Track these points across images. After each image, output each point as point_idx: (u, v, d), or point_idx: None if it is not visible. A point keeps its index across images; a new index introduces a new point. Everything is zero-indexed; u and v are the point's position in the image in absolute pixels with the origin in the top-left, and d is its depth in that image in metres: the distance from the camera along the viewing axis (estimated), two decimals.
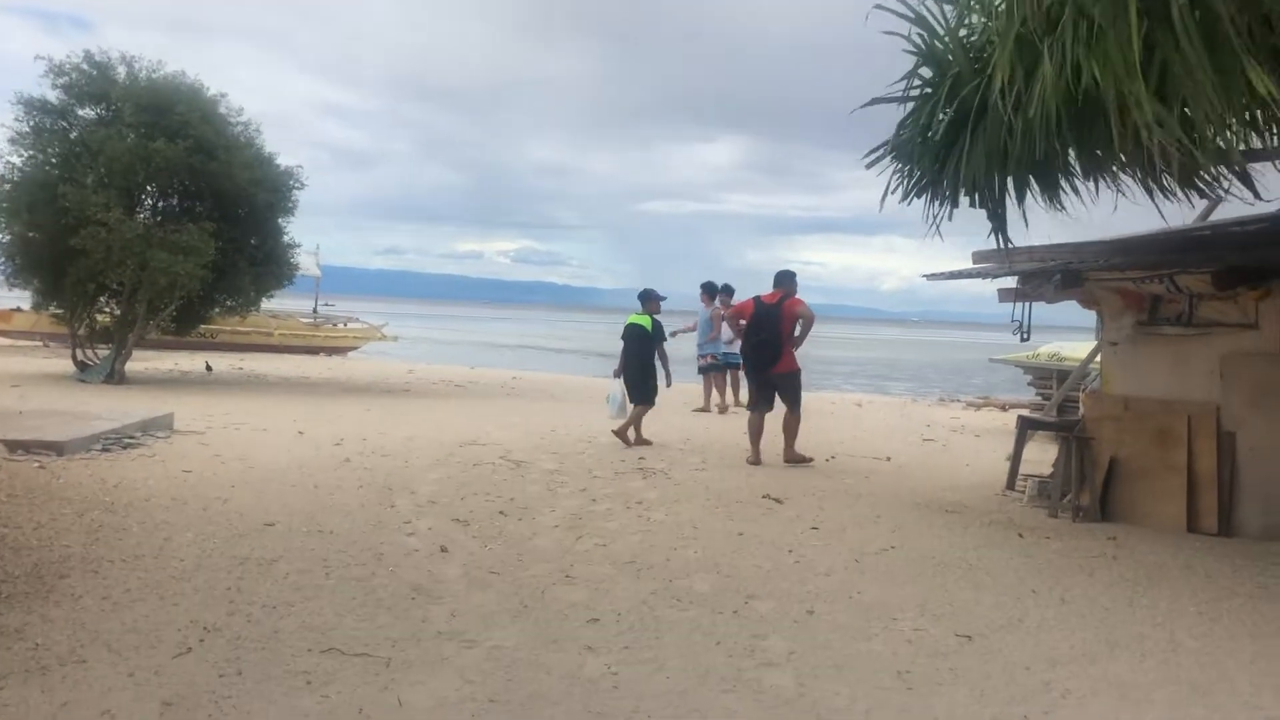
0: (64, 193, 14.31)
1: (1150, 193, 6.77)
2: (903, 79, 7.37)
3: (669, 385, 11.83)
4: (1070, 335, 16.92)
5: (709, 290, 16.01)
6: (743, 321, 10.87)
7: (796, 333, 10.45)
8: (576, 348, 51.30)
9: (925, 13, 6.99)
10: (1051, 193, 7.14)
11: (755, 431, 10.55)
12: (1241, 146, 6.10)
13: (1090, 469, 8.16)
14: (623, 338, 11.89)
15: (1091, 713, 4.13)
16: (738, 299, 13.69)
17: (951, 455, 12.21)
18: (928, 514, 8.03)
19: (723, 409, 15.43)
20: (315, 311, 30.97)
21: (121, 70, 15.67)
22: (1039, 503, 8.56)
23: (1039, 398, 15.09)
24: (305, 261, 25.73)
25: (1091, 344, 14.69)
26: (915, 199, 7.37)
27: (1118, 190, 6.56)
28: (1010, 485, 9.24)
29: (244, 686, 4.01)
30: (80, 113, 15.58)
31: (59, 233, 14.50)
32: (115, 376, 15.83)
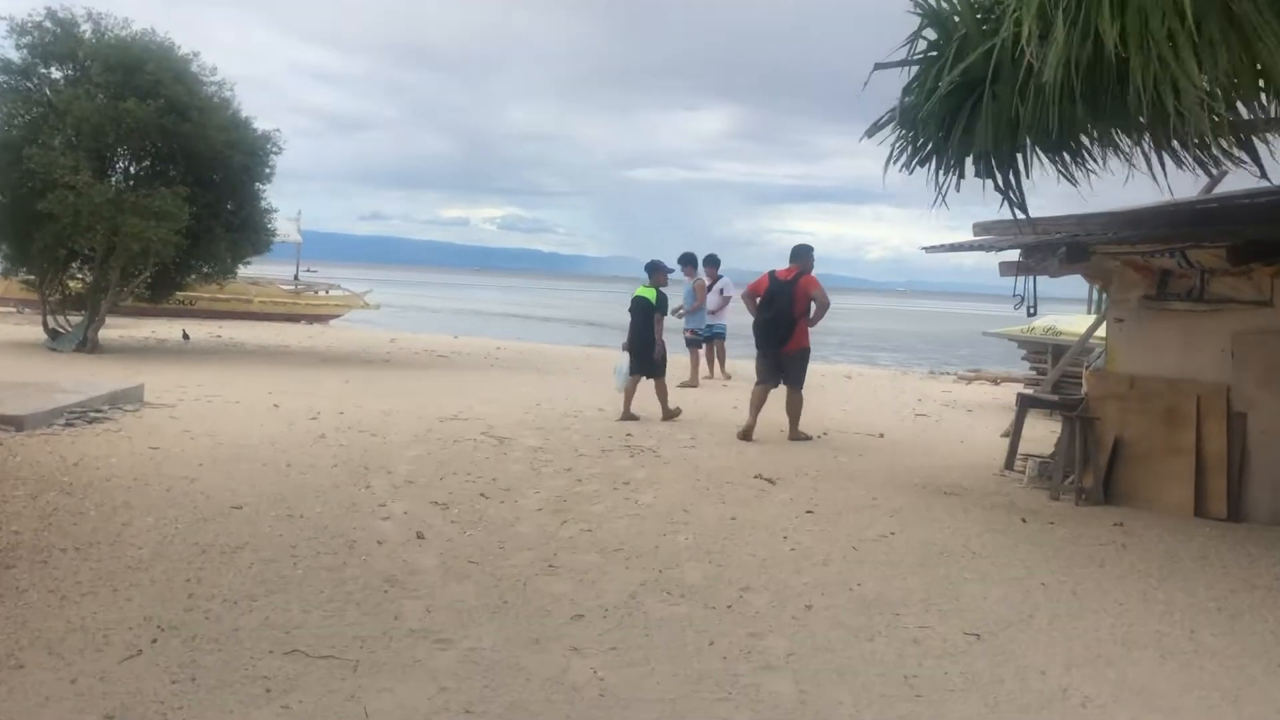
0: (30, 155, 13.80)
1: (1163, 163, 6.43)
2: (906, 43, 7.01)
3: (659, 357, 11.49)
4: (1064, 308, 16.66)
5: (689, 262, 15.60)
6: (757, 299, 10.61)
7: (810, 314, 10.29)
8: (563, 316, 50.91)
9: None
10: (1061, 162, 6.82)
11: (756, 403, 10.36)
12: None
13: (1094, 450, 7.86)
14: (629, 310, 11.64)
15: None
16: (732, 270, 13.37)
17: (945, 431, 11.92)
18: (926, 496, 7.73)
19: (693, 383, 15.00)
20: (296, 278, 30.43)
21: (87, 28, 15.09)
22: (1039, 484, 8.27)
23: (1034, 372, 14.79)
24: (285, 227, 25.20)
25: (1088, 318, 14.46)
26: (919, 167, 7.02)
27: (1129, 161, 6.21)
28: (1009, 465, 8.95)
29: (196, 695, 3.67)
30: (44, 72, 15.02)
31: (26, 196, 13.99)
32: (88, 345, 15.39)
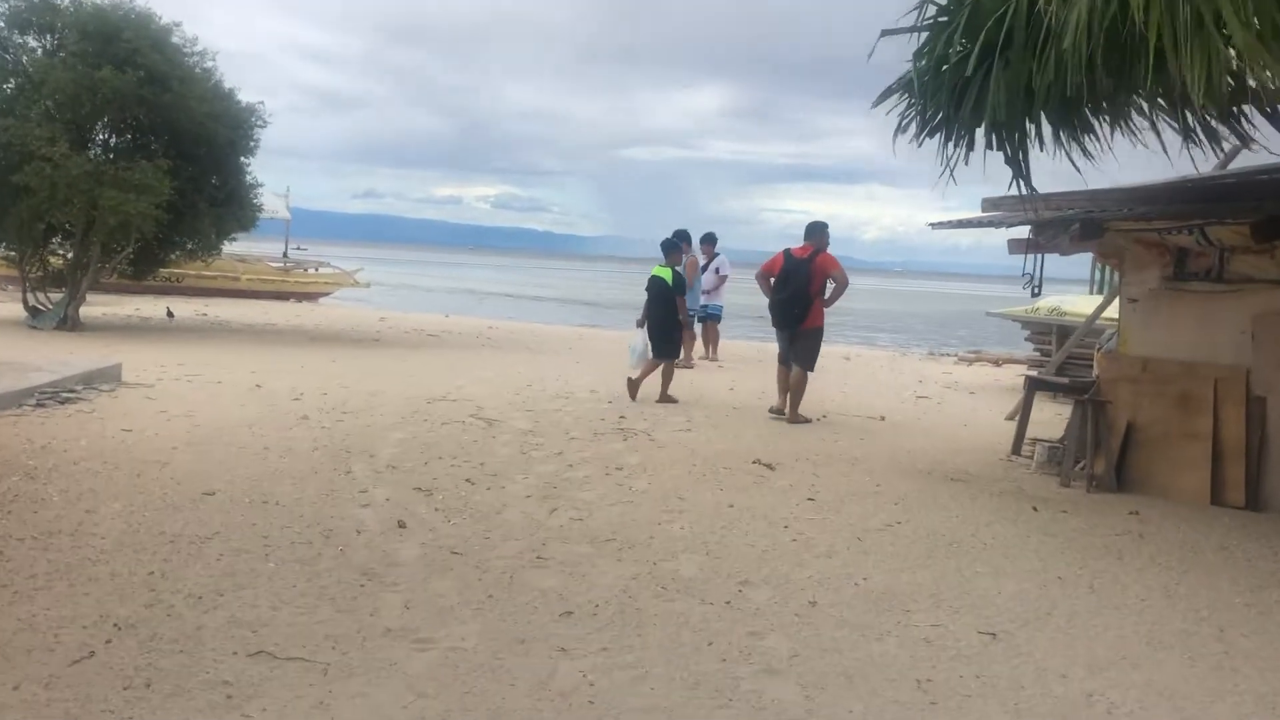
0: (5, 126, 13.38)
1: (1194, 137, 6.12)
2: (916, 7, 6.68)
3: (677, 339, 11.37)
4: (1067, 288, 16.36)
5: (683, 239, 15.25)
6: (772, 279, 10.34)
7: (827, 294, 10.12)
8: (556, 295, 50.53)
9: None
10: (1074, 134, 6.51)
11: (782, 383, 10.29)
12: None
13: (1105, 435, 7.57)
14: (646, 289, 11.40)
15: None
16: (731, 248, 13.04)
17: (947, 414, 11.64)
18: (931, 483, 7.44)
19: (687, 364, 14.67)
20: (285, 255, 30.01)
21: None
22: (1048, 470, 7.99)
23: (1037, 354, 14.52)
24: (272, 203, 24.77)
25: (1093, 298, 14.17)
26: (928, 139, 6.70)
27: (1136, 137, 5.90)
28: (1016, 450, 8.67)
29: (151, 703, 3.37)
30: (21, 42, 14.58)
31: (2, 169, 13.58)
32: (68, 322, 15.01)
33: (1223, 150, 6.98)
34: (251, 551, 4.98)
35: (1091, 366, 12.09)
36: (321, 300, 28.09)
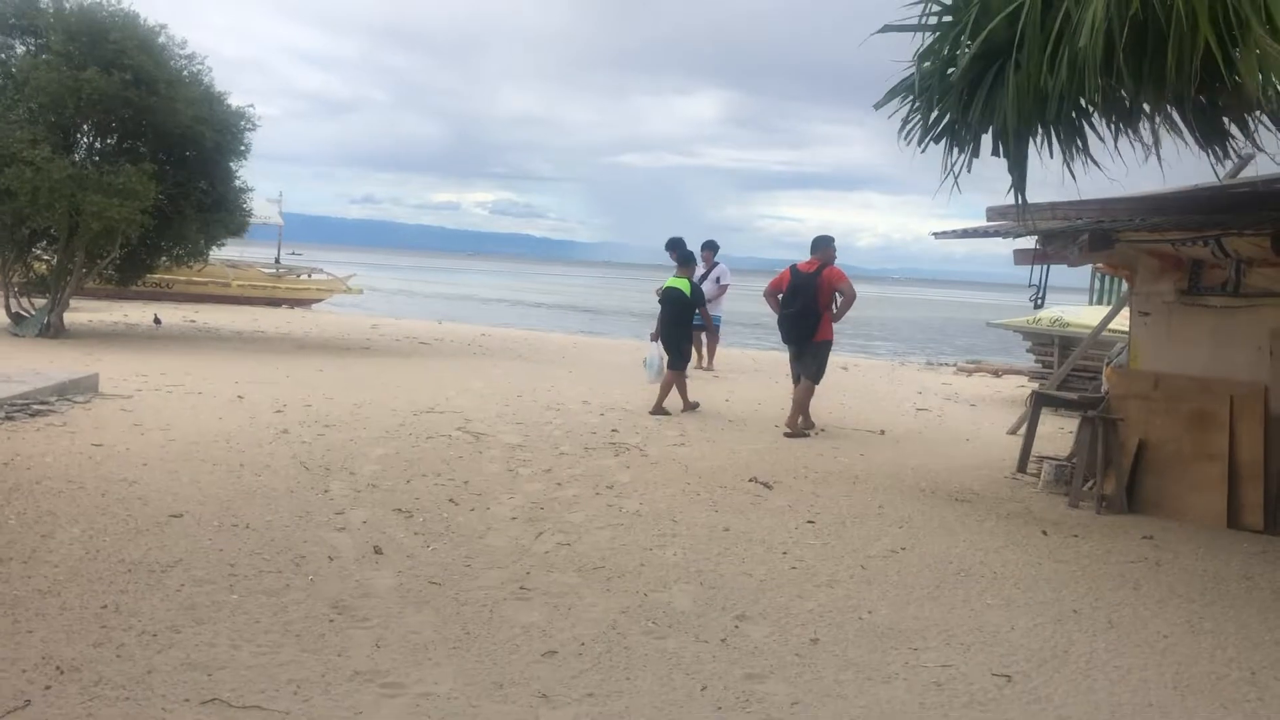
0: None
1: (1207, 139, 5.84)
2: (914, 2, 6.40)
3: (687, 351, 11.41)
4: (1065, 299, 16.07)
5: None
6: (780, 295, 10.30)
7: (835, 307, 10.06)
8: (553, 302, 50.24)
9: None
10: (1085, 141, 6.22)
11: None
12: None
13: (1116, 453, 7.28)
14: (660, 301, 11.35)
15: None
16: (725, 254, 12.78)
17: (948, 428, 11.33)
18: (936, 504, 7.13)
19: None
20: (277, 261, 29.68)
21: None
22: (1056, 489, 7.68)
23: (1039, 365, 14.22)
24: (264, 209, 24.51)
25: (1095, 309, 13.89)
26: (934, 144, 6.41)
27: (1185, 134, 5.60)
28: (1022, 468, 8.37)
29: None
30: (2, 41, 14.26)
31: None
32: (51, 330, 14.69)
33: (1239, 156, 6.71)
34: (215, 581, 4.66)
35: (1095, 379, 11.83)
36: (314, 307, 27.76)
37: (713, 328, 11.55)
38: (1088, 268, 13.27)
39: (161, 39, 14.81)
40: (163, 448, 7.40)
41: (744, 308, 24.51)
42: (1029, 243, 8.23)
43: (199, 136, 14.88)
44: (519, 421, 9.60)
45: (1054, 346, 13.64)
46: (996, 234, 7.92)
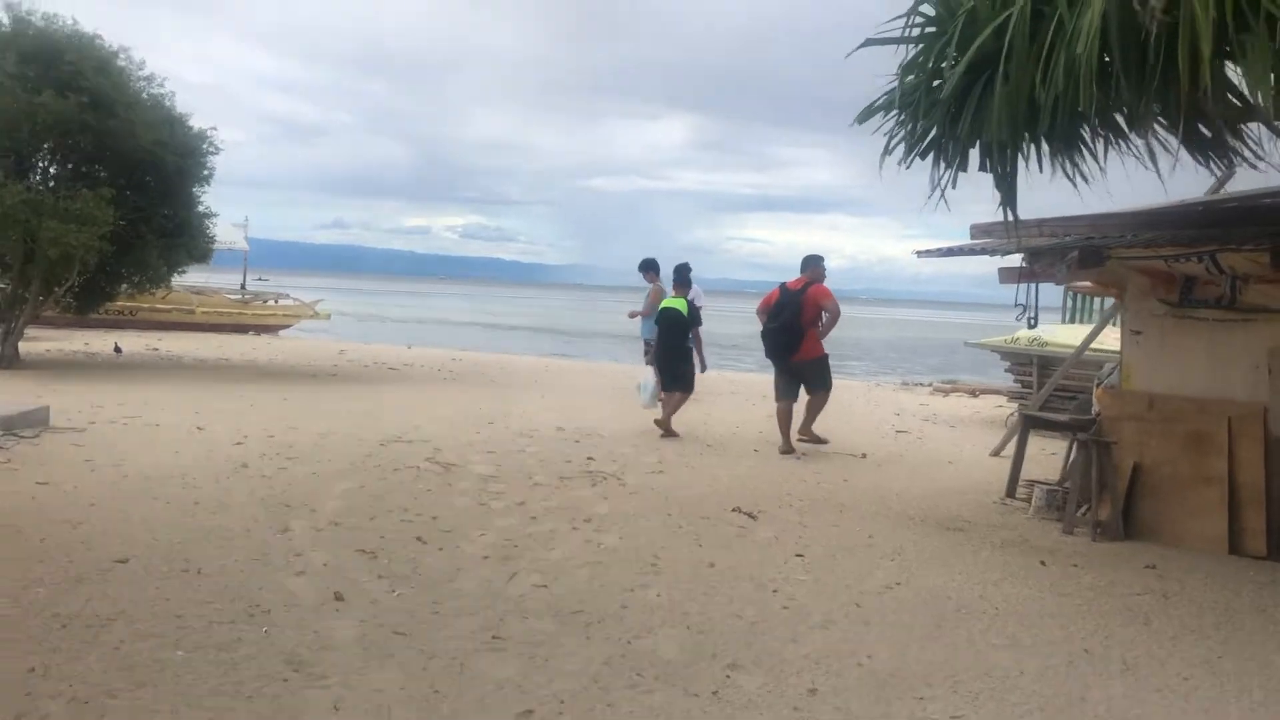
0: None
1: (1206, 154, 5.63)
2: (901, 16, 6.15)
3: (704, 370, 11.40)
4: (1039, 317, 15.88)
5: (650, 268, 14.63)
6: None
7: (821, 324, 10.12)
8: (524, 324, 49.86)
9: None
10: (1079, 153, 5.99)
11: (784, 422, 10.14)
12: None
13: (1111, 477, 7.02)
14: (656, 322, 11.36)
15: None
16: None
17: (930, 450, 11.10)
18: (926, 533, 6.85)
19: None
20: (243, 287, 29.17)
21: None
22: (1048, 515, 7.43)
23: (1018, 385, 14.02)
24: (229, 234, 24.07)
25: (1073, 328, 13.70)
26: (920, 159, 6.16)
27: (1190, 146, 5.38)
28: (1011, 492, 8.11)
29: None
30: None
31: None
32: (4, 360, 14.20)
33: (1246, 164, 6.50)
34: (160, 635, 4.28)
35: (1075, 398, 11.61)
36: (281, 333, 27.28)
37: (703, 356, 11.51)
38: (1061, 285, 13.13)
39: (122, 61, 14.42)
40: (113, 485, 7.00)
41: (719, 329, 24.26)
42: (1015, 260, 7.99)
43: (160, 161, 14.51)
44: (490, 450, 9.25)
45: (1033, 366, 13.45)
46: (983, 252, 7.68)
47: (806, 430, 10.21)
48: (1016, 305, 8.04)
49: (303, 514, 6.48)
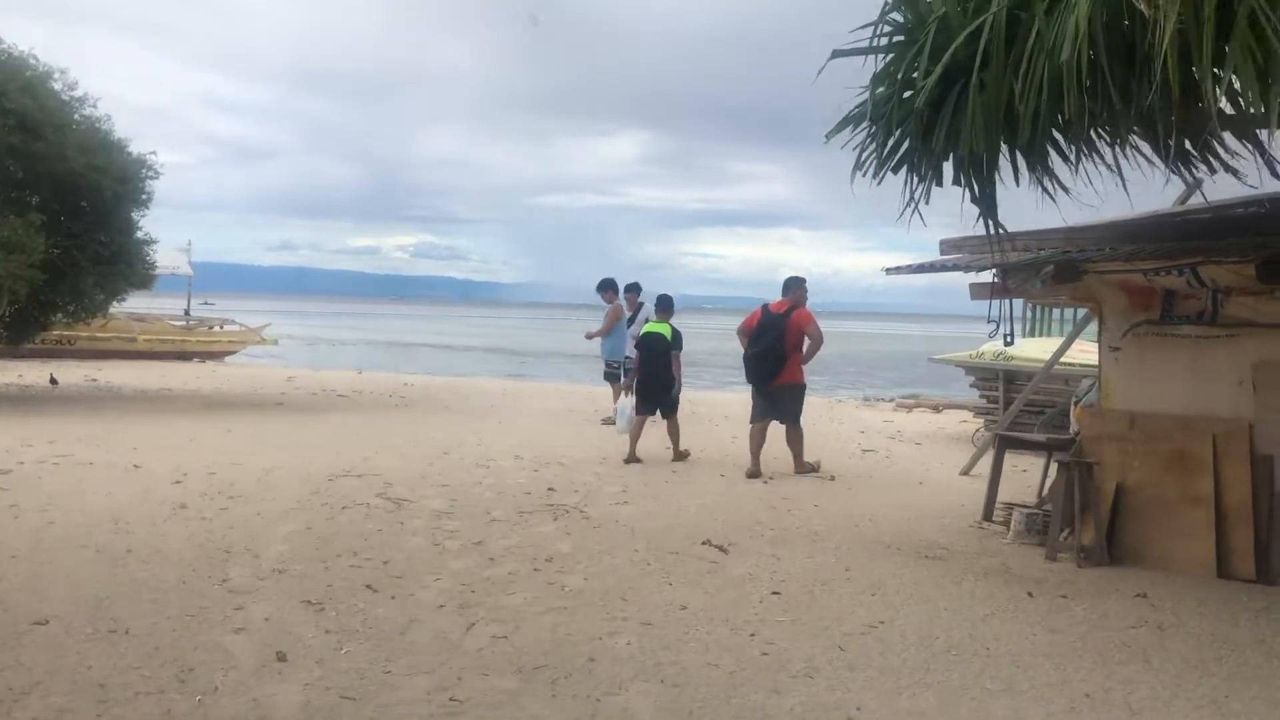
0: None
1: (1188, 162, 5.41)
2: (868, 25, 5.89)
3: (678, 392, 11.09)
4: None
5: (609, 287, 14.30)
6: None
7: (803, 350, 9.95)
8: (478, 345, 49.27)
9: None
10: (1063, 163, 5.76)
11: (755, 443, 9.97)
12: None
13: (1094, 500, 6.78)
14: (638, 347, 11.18)
15: None
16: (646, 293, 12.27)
17: (899, 470, 10.84)
18: (905, 563, 6.54)
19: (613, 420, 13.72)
20: (187, 313, 28.42)
21: None
22: (1028, 539, 7.16)
23: (983, 400, 13.83)
24: (171, 259, 23.42)
25: (1041, 341, 13.56)
26: (892, 174, 5.88)
27: (1170, 155, 5.15)
28: (988, 516, 7.85)
29: None
30: None
31: None
32: None
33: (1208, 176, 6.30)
34: (78, 710, 3.85)
35: (1043, 413, 11.43)
36: (227, 359, 26.58)
37: (680, 380, 11.17)
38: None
39: (55, 83, 13.86)
40: (37, 533, 6.51)
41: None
42: (987, 276, 7.75)
43: (95, 185, 13.99)
44: (445, 484, 8.82)
45: (998, 381, 13.26)
46: (955, 267, 7.44)
47: (800, 468, 10.03)
48: (990, 321, 7.80)
49: (244, 560, 6.04)
